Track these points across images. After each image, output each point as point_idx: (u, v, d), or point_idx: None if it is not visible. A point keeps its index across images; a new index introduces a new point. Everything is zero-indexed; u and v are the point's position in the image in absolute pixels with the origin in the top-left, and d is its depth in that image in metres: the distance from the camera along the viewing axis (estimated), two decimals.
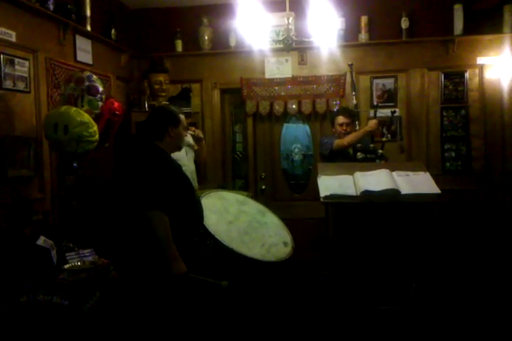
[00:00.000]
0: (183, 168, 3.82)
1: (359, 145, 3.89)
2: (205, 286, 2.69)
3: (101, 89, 3.29)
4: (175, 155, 3.37)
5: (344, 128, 4.16)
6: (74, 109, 3.10)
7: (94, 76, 3.33)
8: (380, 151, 3.80)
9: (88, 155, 3.44)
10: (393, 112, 4.05)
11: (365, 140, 4.07)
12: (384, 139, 4.02)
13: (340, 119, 4.18)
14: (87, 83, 3.21)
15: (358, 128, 4.10)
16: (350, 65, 4.36)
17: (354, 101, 4.25)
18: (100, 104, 3.27)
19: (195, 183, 4.01)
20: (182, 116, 2.93)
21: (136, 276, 2.77)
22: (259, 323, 3.35)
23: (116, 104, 3.46)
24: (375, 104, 4.89)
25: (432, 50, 4.90)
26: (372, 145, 3.89)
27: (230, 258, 2.93)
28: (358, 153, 3.81)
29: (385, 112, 4.57)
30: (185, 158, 3.99)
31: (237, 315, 3.19)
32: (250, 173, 5.36)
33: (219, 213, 3.14)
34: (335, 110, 4.61)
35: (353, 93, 4.27)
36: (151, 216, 2.58)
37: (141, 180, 2.65)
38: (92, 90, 3.21)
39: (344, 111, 4.30)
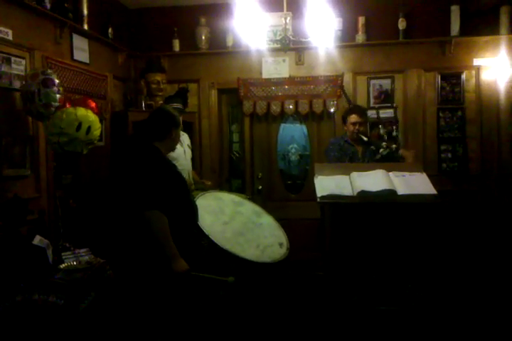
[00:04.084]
0: (180, 168, 3.85)
1: (372, 147, 3.90)
2: (211, 284, 2.69)
3: (57, 81, 3.20)
4: (174, 154, 3.40)
5: (357, 127, 4.09)
6: (91, 111, 3.26)
7: (49, 70, 3.27)
8: (394, 146, 3.77)
9: (85, 154, 3.43)
10: (395, 108, 3.94)
11: (378, 142, 4.07)
12: (394, 133, 3.94)
13: (354, 118, 4.10)
14: (41, 77, 3.15)
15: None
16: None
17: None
18: (58, 96, 3.18)
19: (192, 182, 4.01)
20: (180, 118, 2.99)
21: (134, 276, 2.76)
22: (255, 324, 3.35)
23: (93, 104, 3.51)
24: (373, 105, 4.89)
25: (428, 51, 4.91)
26: (384, 143, 3.86)
27: (224, 259, 2.92)
28: (381, 149, 3.77)
29: (385, 113, 4.60)
30: (183, 158, 3.99)
31: (233, 316, 3.18)
32: (247, 173, 5.36)
33: (214, 214, 3.14)
34: (349, 107, 4.52)
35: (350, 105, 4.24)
36: (150, 216, 2.59)
37: (139, 181, 2.65)
38: (47, 82, 3.15)
39: (358, 109, 4.23)
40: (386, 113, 4.66)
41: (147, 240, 2.66)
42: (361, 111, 4.19)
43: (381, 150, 3.78)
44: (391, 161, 3.73)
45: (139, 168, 2.72)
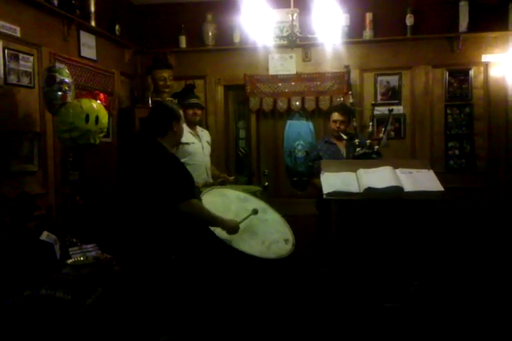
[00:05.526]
0: (197, 163, 3.91)
1: (357, 140, 3.88)
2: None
3: (60, 78, 3.18)
4: (191, 148, 3.43)
5: (337, 125, 4.12)
6: (94, 101, 3.25)
7: (57, 66, 3.25)
8: (377, 147, 3.78)
9: (92, 151, 3.45)
10: (390, 110, 4.00)
11: (362, 137, 4.06)
12: (381, 135, 3.98)
13: (335, 116, 4.14)
14: (46, 74, 3.18)
15: (355, 124, 4.08)
16: (347, 67, 4.46)
17: (351, 99, 4.23)
18: (59, 94, 3.18)
19: (209, 179, 4.03)
20: (181, 111, 2.99)
21: (141, 272, 2.77)
22: (261, 320, 3.36)
23: (101, 95, 3.49)
24: (373, 102, 4.87)
25: (436, 47, 4.88)
26: (368, 141, 3.86)
27: (230, 256, 2.93)
28: (358, 149, 3.78)
29: (382, 110, 4.55)
30: (201, 153, 4.02)
31: (238, 312, 3.19)
32: (253, 170, 5.36)
33: (220, 210, 3.13)
34: (332, 105, 4.57)
35: (350, 92, 4.27)
36: (186, 206, 2.65)
37: (163, 177, 2.66)
38: (48, 81, 3.17)
39: (340, 108, 4.25)
40: (381, 110, 4.62)
41: (155, 235, 2.67)
42: (343, 110, 4.18)
43: (358, 149, 3.78)
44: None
45: (155, 165, 2.71)
